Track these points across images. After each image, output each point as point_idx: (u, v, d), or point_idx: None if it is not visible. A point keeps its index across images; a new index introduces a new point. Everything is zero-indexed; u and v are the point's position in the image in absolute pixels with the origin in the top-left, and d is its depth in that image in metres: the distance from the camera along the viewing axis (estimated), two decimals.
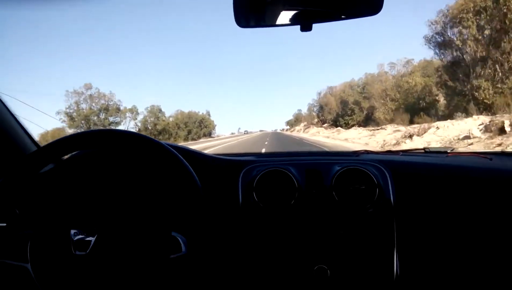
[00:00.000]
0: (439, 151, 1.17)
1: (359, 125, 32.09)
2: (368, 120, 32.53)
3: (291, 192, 0.92)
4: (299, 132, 55.09)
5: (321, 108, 53.18)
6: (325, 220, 0.91)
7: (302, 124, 65.78)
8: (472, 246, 0.91)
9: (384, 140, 14.15)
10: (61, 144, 0.75)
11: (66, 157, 0.93)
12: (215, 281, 0.94)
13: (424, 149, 1.21)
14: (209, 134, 59.71)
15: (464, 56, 17.19)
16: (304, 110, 75.25)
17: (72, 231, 0.75)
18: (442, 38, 18.66)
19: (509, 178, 0.95)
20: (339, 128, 35.39)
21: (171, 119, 50.90)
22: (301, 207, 0.92)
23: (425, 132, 12.28)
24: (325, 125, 47.67)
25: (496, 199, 0.91)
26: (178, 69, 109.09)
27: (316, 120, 58.22)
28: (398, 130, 16.71)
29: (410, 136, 12.59)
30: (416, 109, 25.01)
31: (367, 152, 1.19)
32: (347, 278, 0.89)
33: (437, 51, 19.45)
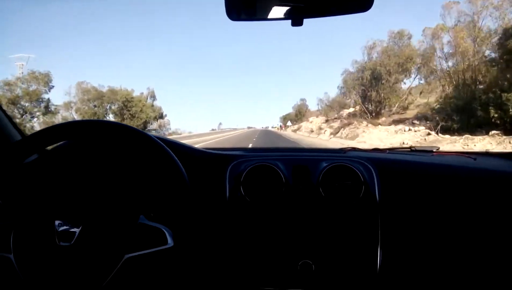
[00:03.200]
0: (424, 150, 1.19)
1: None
2: None
3: (278, 187, 0.93)
4: (321, 133, 27.15)
5: (373, 81, 24.66)
6: (311, 215, 0.92)
7: (318, 119, 37.16)
8: (455, 242, 0.93)
9: None
10: (45, 134, 0.74)
11: (51, 147, 0.91)
12: (202, 274, 0.94)
13: (410, 147, 1.23)
14: (144, 126, 36.74)
15: None
16: (319, 96, 55.13)
17: (57, 222, 0.74)
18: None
19: (492, 177, 0.98)
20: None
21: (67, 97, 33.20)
22: (287, 202, 0.93)
23: None
24: (383, 119, 23.10)
25: (479, 198, 0.93)
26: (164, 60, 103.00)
27: (353, 108, 30.14)
28: None
29: None
30: None
31: (354, 149, 1.20)
32: (331, 273, 0.90)
33: None
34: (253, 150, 1.30)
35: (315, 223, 0.92)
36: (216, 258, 0.93)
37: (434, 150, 1.17)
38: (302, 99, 67.45)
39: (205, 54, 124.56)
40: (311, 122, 39.68)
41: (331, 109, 36.25)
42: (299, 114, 62.48)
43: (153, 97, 41.71)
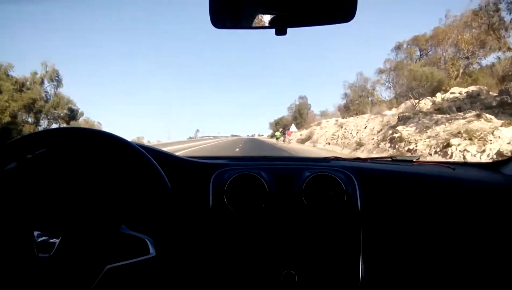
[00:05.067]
0: (405, 159, 1.22)
1: None
2: None
3: (261, 196, 0.93)
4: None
5: None
6: (294, 225, 0.92)
7: (359, 121, 20.04)
8: (435, 251, 0.95)
9: None
10: (25, 141, 0.72)
11: (30, 155, 0.89)
12: (184, 284, 0.93)
13: (391, 157, 1.26)
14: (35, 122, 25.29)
15: None
16: (349, 79, 41.29)
17: (36, 233, 0.72)
18: None
19: (470, 187, 1.01)
20: None
21: None
22: (271, 212, 0.93)
23: None
24: None
25: (458, 206, 0.96)
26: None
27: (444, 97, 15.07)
28: None
29: None
30: None
31: (337, 158, 1.22)
32: (314, 283, 0.90)
33: None
34: (237, 158, 1.30)
35: (298, 232, 0.92)
36: (199, 268, 0.92)
37: (414, 160, 1.21)
38: (302, 97, 49.31)
39: (190, 60, 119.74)
40: (323, 128, 27.21)
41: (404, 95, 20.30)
42: (299, 118, 44.82)
43: (55, 80, 27.60)
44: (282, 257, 0.90)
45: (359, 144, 15.32)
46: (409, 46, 29.13)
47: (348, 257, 0.90)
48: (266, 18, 0.77)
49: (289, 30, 0.78)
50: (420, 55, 28.33)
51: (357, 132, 18.44)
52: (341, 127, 21.82)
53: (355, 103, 32.86)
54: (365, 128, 18.09)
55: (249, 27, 0.81)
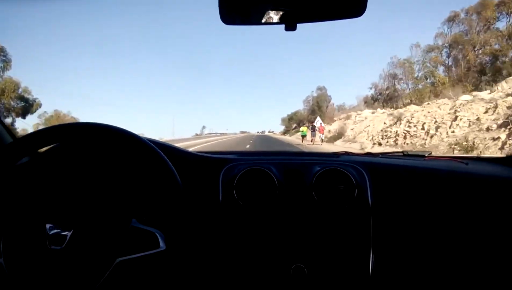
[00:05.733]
0: (417, 154, 1.20)
1: None
2: None
3: (271, 191, 0.93)
4: None
5: None
6: (304, 219, 0.92)
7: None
8: (446, 246, 0.94)
9: None
10: (37, 136, 0.74)
11: (43, 150, 0.91)
12: (194, 277, 0.94)
13: (403, 152, 1.24)
14: None
15: None
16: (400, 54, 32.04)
17: (48, 225, 0.73)
18: None
19: (484, 182, 0.99)
20: None
21: None
22: (280, 206, 0.93)
23: None
24: None
25: (471, 202, 0.94)
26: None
27: None
28: None
29: None
30: None
31: (347, 153, 1.21)
32: (323, 277, 0.90)
33: None
34: (246, 153, 1.30)
35: (307, 227, 0.92)
36: (209, 262, 0.93)
37: (426, 155, 1.18)
38: (321, 88, 41.78)
39: (197, 55, 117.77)
40: (357, 122, 22.56)
41: None
42: (318, 111, 37.91)
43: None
44: (292, 251, 0.91)
45: (468, 147, 9.18)
46: (469, 16, 23.51)
47: (358, 251, 0.90)
48: (276, 14, 0.77)
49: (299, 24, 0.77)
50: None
51: (437, 127, 12.54)
52: (399, 120, 15.75)
53: (402, 90, 26.09)
54: (456, 119, 11.89)
55: (259, 23, 0.80)
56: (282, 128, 59.54)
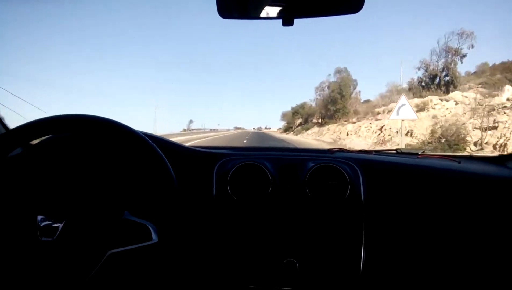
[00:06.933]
0: (410, 152, 1.21)
1: None
2: None
3: (264, 186, 0.93)
4: None
5: None
6: (297, 214, 0.93)
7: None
8: (438, 244, 0.95)
9: None
10: (30, 128, 0.73)
11: (35, 141, 0.90)
12: (187, 271, 0.94)
13: (396, 150, 1.25)
14: None
15: None
16: None
17: (39, 217, 0.73)
18: None
19: (475, 180, 1.00)
20: None
21: None
22: (273, 202, 0.93)
23: None
24: None
25: (463, 200, 0.95)
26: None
27: None
28: None
29: None
30: None
31: (341, 150, 1.21)
32: (315, 272, 0.91)
33: None
34: (241, 149, 1.31)
35: (300, 222, 0.92)
36: (202, 255, 0.93)
37: (420, 153, 1.19)
38: (341, 70, 29.69)
39: (197, 50, 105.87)
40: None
41: None
42: (339, 101, 27.45)
43: None
44: (284, 246, 0.91)
45: None
46: None
47: (349, 247, 0.91)
48: (273, 9, 0.76)
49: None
50: None
51: None
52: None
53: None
54: None
55: (256, 17, 0.80)
56: (282, 123, 47.36)
